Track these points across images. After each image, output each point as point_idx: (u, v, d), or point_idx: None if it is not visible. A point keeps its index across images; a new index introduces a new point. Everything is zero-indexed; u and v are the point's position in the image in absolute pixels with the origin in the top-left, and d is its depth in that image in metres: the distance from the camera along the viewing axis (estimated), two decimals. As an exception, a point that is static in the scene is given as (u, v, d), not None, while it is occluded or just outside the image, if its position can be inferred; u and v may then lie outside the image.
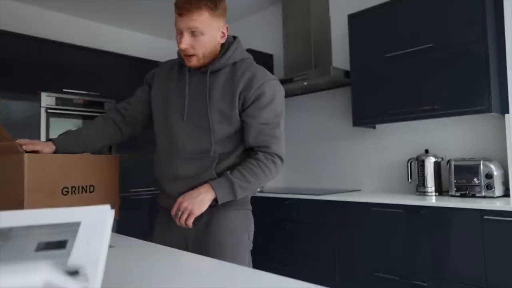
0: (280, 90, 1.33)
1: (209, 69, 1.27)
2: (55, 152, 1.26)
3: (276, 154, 1.28)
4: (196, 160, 1.26)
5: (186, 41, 1.20)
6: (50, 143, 1.26)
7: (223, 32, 1.27)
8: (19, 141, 1.16)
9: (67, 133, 1.35)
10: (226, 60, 1.28)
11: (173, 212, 1.22)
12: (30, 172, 1.09)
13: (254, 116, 1.26)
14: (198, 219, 1.24)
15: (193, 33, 1.20)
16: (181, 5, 1.16)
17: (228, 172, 1.23)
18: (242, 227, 1.33)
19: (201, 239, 1.28)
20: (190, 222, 1.19)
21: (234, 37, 1.35)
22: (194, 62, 1.25)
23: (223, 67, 1.29)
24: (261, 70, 1.30)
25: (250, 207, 1.39)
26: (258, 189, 3.39)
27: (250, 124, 1.26)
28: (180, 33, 1.21)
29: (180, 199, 1.21)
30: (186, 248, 1.28)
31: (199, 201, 1.19)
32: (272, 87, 1.28)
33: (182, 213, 1.18)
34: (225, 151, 1.28)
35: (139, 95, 1.43)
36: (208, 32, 1.21)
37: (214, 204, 1.24)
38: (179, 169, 1.27)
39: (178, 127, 1.28)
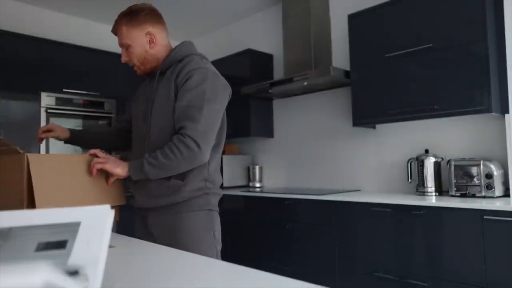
0: (214, 78, 1.33)
1: (158, 72, 1.40)
2: (66, 139, 1.51)
3: (189, 136, 1.25)
4: (139, 149, 1.39)
5: (123, 56, 1.41)
6: (66, 130, 1.51)
7: (151, 39, 1.38)
8: (42, 127, 1.46)
9: (85, 130, 1.64)
10: (170, 60, 1.39)
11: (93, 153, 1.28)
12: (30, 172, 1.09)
13: (179, 99, 1.30)
14: (163, 222, 1.34)
15: (125, 47, 1.39)
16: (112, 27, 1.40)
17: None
18: (204, 227, 1.36)
19: (166, 241, 1.31)
20: (94, 169, 1.22)
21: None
22: (138, 71, 1.43)
23: (169, 67, 1.39)
24: (199, 61, 1.35)
25: (216, 208, 1.42)
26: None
27: (175, 107, 1.30)
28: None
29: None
30: None
31: (114, 161, 1.27)
32: (203, 74, 1.31)
33: (98, 161, 1.24)
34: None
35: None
36: (133, 43, 1.38)
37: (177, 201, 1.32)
38: (130, 158, 1.40)
39: (138, 126, 1.43)
